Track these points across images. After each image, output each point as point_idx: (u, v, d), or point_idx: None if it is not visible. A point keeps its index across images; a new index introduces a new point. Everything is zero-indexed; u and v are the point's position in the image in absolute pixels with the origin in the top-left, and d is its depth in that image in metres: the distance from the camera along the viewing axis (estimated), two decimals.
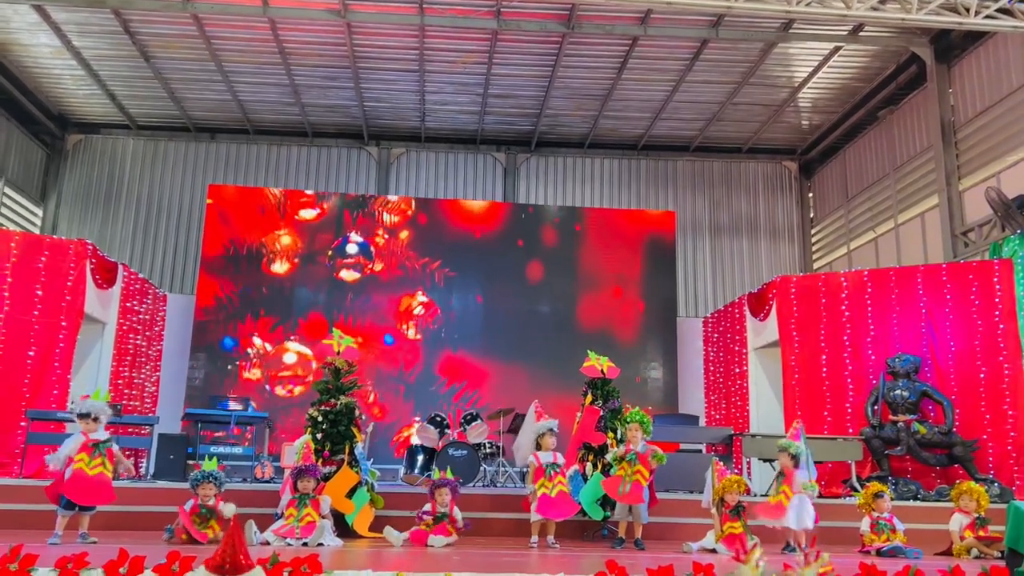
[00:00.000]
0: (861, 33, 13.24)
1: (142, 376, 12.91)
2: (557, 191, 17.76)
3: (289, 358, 14.98)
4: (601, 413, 7.87)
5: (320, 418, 7.63)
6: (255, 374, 14.83)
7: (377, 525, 7.33)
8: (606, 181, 17.87)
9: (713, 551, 6.58)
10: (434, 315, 15.48)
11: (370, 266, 15.55)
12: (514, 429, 11.39)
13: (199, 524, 6.42)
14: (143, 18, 13.31)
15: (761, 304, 12.26)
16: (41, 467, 8.75)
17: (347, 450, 7.52)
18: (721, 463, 7.40)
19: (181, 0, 12.61)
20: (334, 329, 8.61)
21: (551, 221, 16.22)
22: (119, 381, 11.87)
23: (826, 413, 10.82)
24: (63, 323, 10.32)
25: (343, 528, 7.13)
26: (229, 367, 14.83)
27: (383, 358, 15.12)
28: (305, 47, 14.20)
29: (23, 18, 13.30)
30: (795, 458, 6.72)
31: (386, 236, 15.70)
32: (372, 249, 15.62)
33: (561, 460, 7.20)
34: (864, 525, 7.10)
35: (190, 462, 10.20)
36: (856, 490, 9.21)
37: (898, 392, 10.16)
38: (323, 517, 6.74)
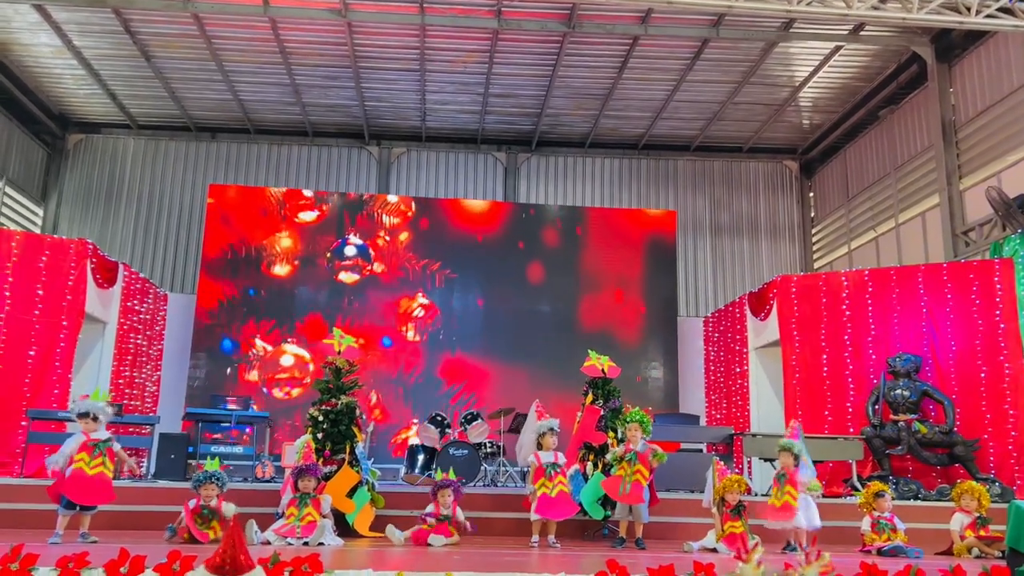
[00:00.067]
0: (862, 32, 13.24)
1: (143, 375, 12.93)
2: (558, 191, 17.76)
3: (286, 360, 14.96)
4: (602, 413, 7.87)
5: (321, 418, 7.63)
6: (254, 376, 14.82)
7: (378, 524, 7.33)
8: (607, 181, 17.87)
9: (714, 550, 6.57)
10: (434, 316, 15.47)
11: (369, 268, 15.53)
12: (515, 429, 11.39)
13: (201, 524, 6.42)
14: (144, 18, 13.31)
15: (762, 304, 12.26)
16: (42, 467, 8.75)
17: (348, 450, 7.52)
18: (722, 463, 7.41)
19: (182, 0, 12.62)
20: (335, 329, 8.60)
21: (552, 223, 16.21)
22: (120, 381, 11.88)
23: (827, 412, 10.82)
24: (64, 323, 10.33)
25: (344, 527, 7.13)
26: (228, 370, 14.82)
27: (381, 360, 15.08)
28: (306, 47, 14.20)
29: (24, 18, 13.30)
30: (796, 458, 6.74)
31: (387, 238, 15.69)
32: (371, 251, 15.60)
33: (562, 460, 7.19)
34: (865, 524, 7.09)
35: (191, 462, 10.21)
36: (857, 489, 9.20)
37: (899, 391, 10.16)
38: (324, 516, 6.74)
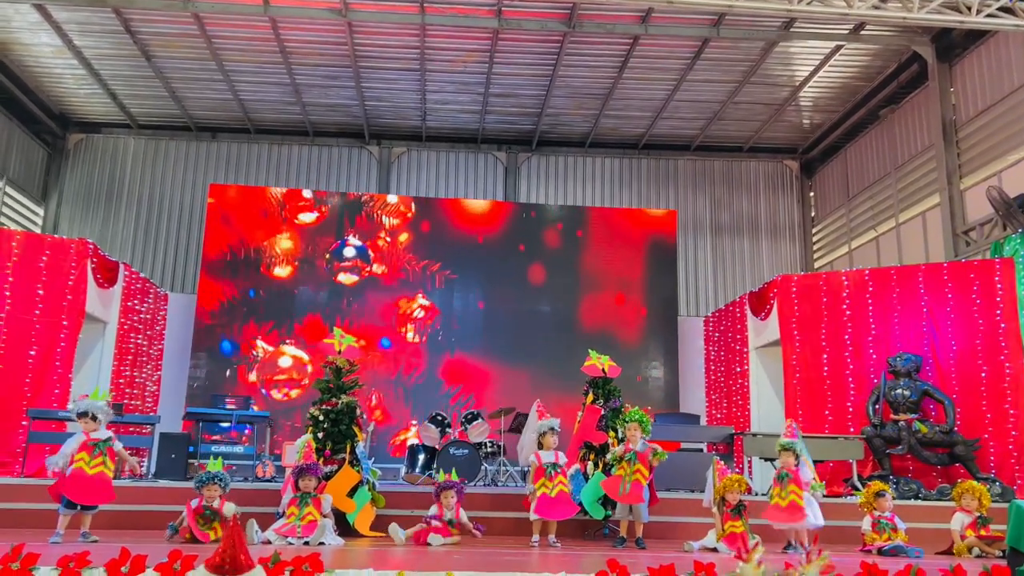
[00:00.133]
0: (862, 32, 13.23)
1: (143, 375, 12.93)
2: (558, 190, 17.76)
3: (284, 362, 14.94)
4: (602, 412, 7.87)
5: (321, 417, 7.63)
6: (254, 377, 14.81)
7: (378, 524, 7.33)
8: (607, 180, 17.87)
9: (714, 550, 6.57)
10: (433, 317, 15.46)
11: (368, 269, 15.52)
12: (516, 428, 11.39)
13: (203, 524, 6.42)
14: (144, 17, 13.31)
15: (762, 303, 12.26)
16: (42, 466, 8.75)
17: (348, 449, 7.52)
18: (722, 462, 7.40)
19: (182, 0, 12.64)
20: (335, 328, 8.60)
21: (552, 223, 16.19)
22: (120, 380, 11.88)
23: (827, 412, 10.82)
24: (64, 322, 10.33)
25: (344, 527, 7.13)
26: (228, 371, 14.81)
27: (381, 362, 15.05)
28: (306, 46, 14.20)
29: (24, 17, 13.31)
30: (797, 457, 6.75)
31: (388, 239, 15.68)
32: (370, 252, 15.58)
33: (563, 460, 7.19)
34: (865, 524, 7.09)
35: (191, 461, 10.21)
36: (857, 489, 9.20)
37: (899, 391, 10.16)
38: (324, 516, 6.74)
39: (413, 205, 16.04)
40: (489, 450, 11.12)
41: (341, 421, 7.63)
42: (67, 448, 6.26)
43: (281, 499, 7.17)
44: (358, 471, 7.43)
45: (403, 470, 11.14)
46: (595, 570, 4.45)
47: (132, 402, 12.27)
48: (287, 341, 15.00)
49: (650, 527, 7.21)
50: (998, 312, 10.19)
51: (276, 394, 14.72)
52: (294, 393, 14.76)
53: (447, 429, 11.26)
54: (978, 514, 6.99)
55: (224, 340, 14.91)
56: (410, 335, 15.35)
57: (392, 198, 16.16)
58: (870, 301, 11.00)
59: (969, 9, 10.16)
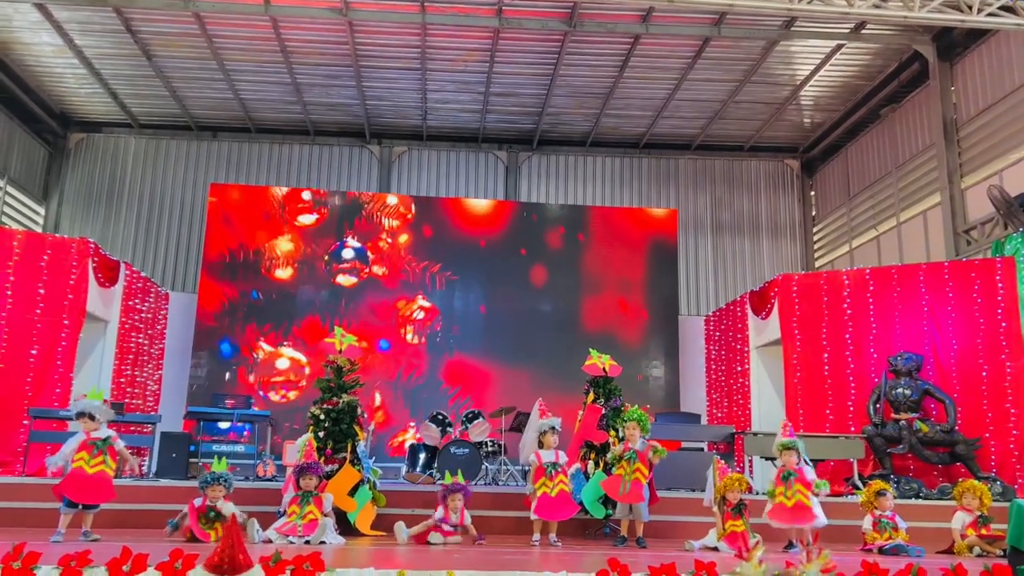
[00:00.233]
0: (863, 31, 13.22)
1: (144, 374, 12.93)
2: (559, 189, 17.76)
3: (282, 363, 14.91)
4: (603, 411, 7.87)
5: (322, 416, 7.63)
6: (252, 379, 14.79)
7: (379, 523, 7.33)
8: (608, 179, 17.87)
9: (715, 549, 6.58)
10: (434, 318, 15.44)
11: (367, 270, 15.49)
12: (517, 427, 11.40)
13: (204, 524, 6.42)
14: (145, 17, 13.31)
15: (763, 302, 12.25)
16: (43, 466, 8.77)
17: (349, 448, 7.52)
18: (723, 461, 7.40)
19: None
20: (336, 327, 8.61)
21: (553, 223, 16.16)
22: (121, 379, 11.88)
23: (828, 411, 10.81)
24: (65, 321, 10.33)
25: (345, 526, 7.13)
26: (227, 374, 14.79)
27: (380, 363, 15.03)
28: (307, 45, 14.20)
29: (25, 17, 13.31)
30: (799, 456, 6.76)
31: (388, 240, 15.66)
32: (369, 254, 15.56)
33: (563, 459, 7.19)
34: (866, 523, 7.09)
35: (192, 460, 10.22)
36: (858, 488, 9.19)
37: (900, 390, 10.15)
38: (325, 515, 6.74)
39: (413, 206, 16.01)
40: (490, 449, 11.13)
41: (342, 420, 7.63)
42: (67, 448, 6.28)
43: (282, 498, 7.18)
44: (359, 470, 7.44)
45: (404, 469, 11.15)
46: (596, 569, 4.45)
47: (133, 401, 12.27)
48: (285, 343, 14.98)
49: (651, 526, 7.21)
50: (999, 311, 10.18)
51: (274, 396, 14.69)
52: (292, 395, 14.75)
53: (448, 428, 11.26)
54: (979, 513, 6.99)
55: (224, 342, 14.90)
56: (410, 336, 15.34)
57: (392, 199, 16.14)
58: (871, 300, 10.99)
59: (970, 8, 10.15)
